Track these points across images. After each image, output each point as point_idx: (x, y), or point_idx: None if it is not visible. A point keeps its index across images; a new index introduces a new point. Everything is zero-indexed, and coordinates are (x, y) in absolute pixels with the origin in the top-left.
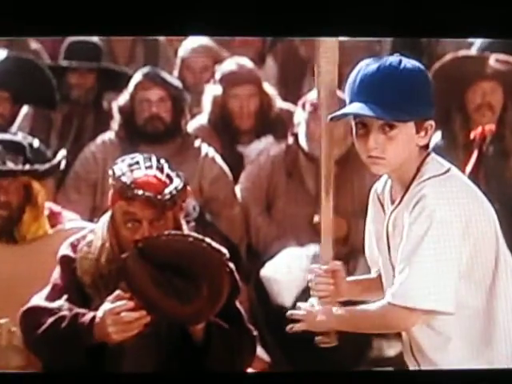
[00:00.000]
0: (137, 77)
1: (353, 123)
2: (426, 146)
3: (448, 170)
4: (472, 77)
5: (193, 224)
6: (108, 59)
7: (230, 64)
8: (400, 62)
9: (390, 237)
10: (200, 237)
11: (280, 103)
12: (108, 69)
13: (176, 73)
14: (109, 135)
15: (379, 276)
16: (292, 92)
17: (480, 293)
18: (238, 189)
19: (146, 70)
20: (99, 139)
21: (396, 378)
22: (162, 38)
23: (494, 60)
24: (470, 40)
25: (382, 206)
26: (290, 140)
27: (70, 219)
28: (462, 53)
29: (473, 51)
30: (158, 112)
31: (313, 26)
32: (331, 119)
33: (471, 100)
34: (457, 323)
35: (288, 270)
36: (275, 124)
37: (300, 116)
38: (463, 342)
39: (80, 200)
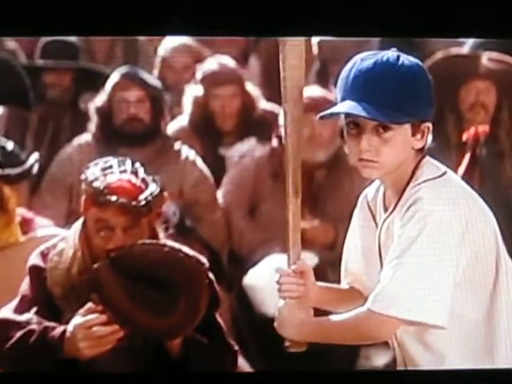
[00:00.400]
0: (114, 76)
1: (344, 122)
2: (421, 149)
3: (444, 173)
4: (465, 75)
5: (171, 231)
6: (86, 58)
7: (212, 63)
8: (398, 57)
9: (383, 247)
10: (177, 246)
11: (263, 104)
12: (85, 68)
13: (156, 72)
14: (85, 137)
15: (352, 289)
16: (276, 92)
17: (480, 300)
18: (220, 192)
19: (124, 69)
20: (76, 141)
21: (395, 378)
22: (141, 38)
23: (486, 59)
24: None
25: (373, 214)
26: (275, 142)
27: (43, 226)
28: (454, 51)
29: (465, 49)
30: (136, 113)
31: (299, 26)
32: (320, 118)
33: (464, 99)
34: (454, 338)
35: (272, 278)
36: (258, 125)
37: None
38: (462, 358)
39: (55, 204)
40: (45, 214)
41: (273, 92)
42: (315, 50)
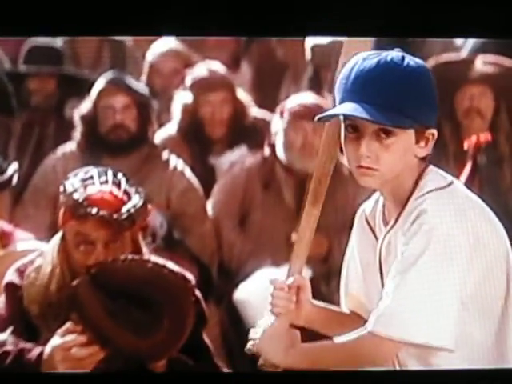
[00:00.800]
0: (100, 83)
1: (342, 126)
2: (424, 158)
3: (451, 183)
4: (458, 82)
5: (158, 243)
6: (72, 63)
7: (202, 69)
8: (403, 58)
9: (383, 264)
10: (161, 262)
11: (255, 111)
12: (70, 74)
13: (144, 78)
14: (70, 145)
15: (353, 314)
16: (268, 98)
17: (490, 318)
18: (209, 203)
19: (109, 75)
20: (60, 150)
21: (395, 378)
22: (129, 41)
23: (481, 63)
24: (458, 43)
25: (372, 229)
26: (267, 151)
27: (23, 239)
28: (446, 58)
29: (457, 55)
30: (122, 120)
31: (297, 25)
32: (318, 120)
33: (459, 106)
34: (461, 360)
35: (263, 293)
36: (249, 133)
37: (277, 125)
38: None
39: (38, 216)
40: (27, 226)
41: (265, 99)
42: (308, 55)
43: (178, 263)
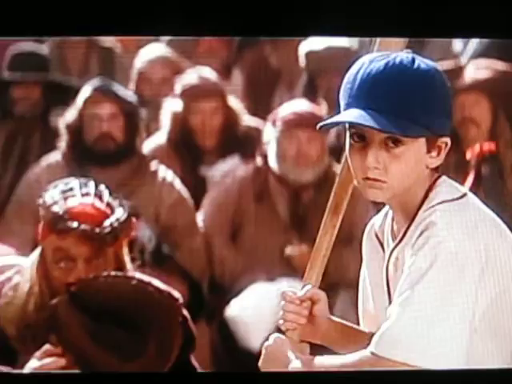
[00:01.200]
0: (86, 90)
1: (347, 134)
2: (436, 168)
3: (464, 195)
4: (452, 90)
5: (141, 261)
6: (60, 70)
7: (192, 76)
8: (413, 60)
9: (391, 281)
10: (146, 279)
11: (247, 119)
12: (55, 81)
13: (132, 85)
14: (55, 156)
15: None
16: (261, 106)
17: (504, 345)
18: (200, 215)
19: (95, 82)
20: (44, 161)
21: (396, 377)
22: (117, 47)
23: (474, 69)
24: (457, 49)
25: (382, 244)
26: (259, 161)
27: (3, 254)
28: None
29: (451, 63)
30: (109, 130)
31: (296, 25)
32: (320, 128)
33: (454, 115)
34: None
35: (257, 310)
36: (242, 142)
37: (270, 134)
38: None
39: (21, 230)
40: (9, 241)
41: (257, 107)
42: (302, 61)
43: (167, 279)
